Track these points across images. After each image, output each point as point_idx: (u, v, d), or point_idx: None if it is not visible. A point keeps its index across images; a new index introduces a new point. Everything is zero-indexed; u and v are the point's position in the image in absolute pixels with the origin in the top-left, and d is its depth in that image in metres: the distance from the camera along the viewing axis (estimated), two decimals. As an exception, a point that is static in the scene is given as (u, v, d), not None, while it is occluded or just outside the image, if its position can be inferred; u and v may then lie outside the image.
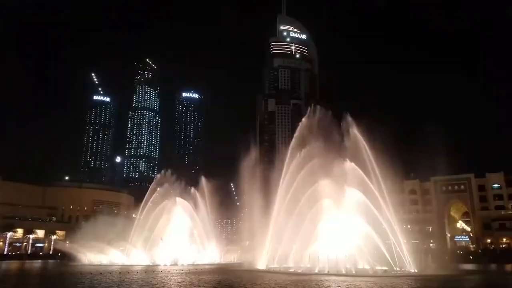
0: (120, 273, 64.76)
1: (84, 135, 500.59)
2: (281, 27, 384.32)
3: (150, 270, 73.19)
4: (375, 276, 59.73)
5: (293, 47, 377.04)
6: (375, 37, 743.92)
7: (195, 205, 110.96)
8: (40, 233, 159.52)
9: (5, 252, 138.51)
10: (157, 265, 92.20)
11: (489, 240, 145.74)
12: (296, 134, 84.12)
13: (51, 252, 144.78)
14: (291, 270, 71.24)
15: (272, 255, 77.74)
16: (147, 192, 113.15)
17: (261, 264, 79.06)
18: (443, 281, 55.67)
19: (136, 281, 53.07)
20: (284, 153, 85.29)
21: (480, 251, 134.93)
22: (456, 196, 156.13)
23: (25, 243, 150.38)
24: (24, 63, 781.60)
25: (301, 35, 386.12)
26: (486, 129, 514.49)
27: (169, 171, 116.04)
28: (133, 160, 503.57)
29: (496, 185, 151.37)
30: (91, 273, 63.20)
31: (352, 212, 69.59)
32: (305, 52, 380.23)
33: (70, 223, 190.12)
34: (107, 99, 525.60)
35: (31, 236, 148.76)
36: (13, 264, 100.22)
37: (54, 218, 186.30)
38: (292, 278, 56.38)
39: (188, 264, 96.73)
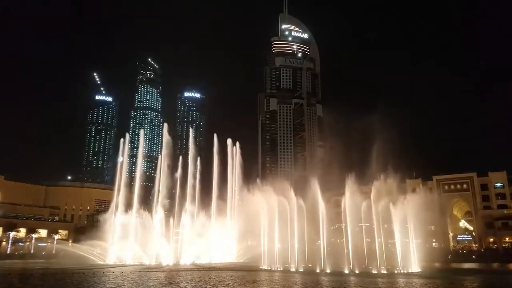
0: (122, 272, 64.81)
1: (86, 134, 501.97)
2: (283, 26, 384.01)
3: (151, 270, 73.05)
4: (377, 276, 59.60)
5: (294, 46, 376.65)
6: (377, 37, 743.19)
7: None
8: (43, 232, 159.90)
9: (8, 252, 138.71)
10: (160, 265, 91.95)
11: (491, 239, 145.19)
12: None
13: (53, 252, 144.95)
14: (292, 269, 71.25)
15: (274, 255, 77.71)
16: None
17: (264, 264, 79.07)
18: (447, 281, 55.47)
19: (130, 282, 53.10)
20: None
21: (482, 250, 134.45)
22: (459, 195, 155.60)
23: (28, 243, 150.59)
24: (25, 63, 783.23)
25: (303, 34, 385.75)
26: (488, 129, 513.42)
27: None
28: (135, 160, 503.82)
29: (498, 184, 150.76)
30: (93, 273, 63.27)
31: (353, 214, 69.56)
32: (306, 51, 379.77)
33: (73, 223, 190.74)
34: (109, 98, 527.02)
35: (34, 236, 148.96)
36: (14, 264, 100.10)
37: (56, 218, 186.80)
38: (292, 279, 56.27)
39: (191, 264, 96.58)
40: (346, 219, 69.70)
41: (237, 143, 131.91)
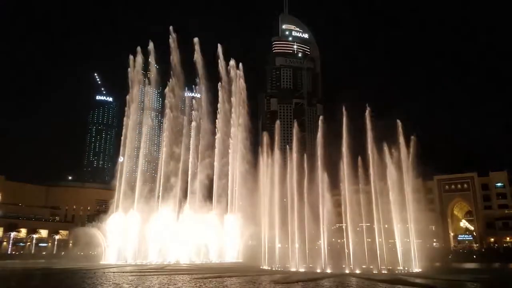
0: (122, 273, 64.73)
1: (87, 135, 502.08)
2: (283, 26, 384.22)
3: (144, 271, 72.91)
4: (379, 276, 59.54)
5: (295, 46, 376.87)
6: (378, 36, 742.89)
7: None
8: (44, 232, 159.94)
9: (9, 252, 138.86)
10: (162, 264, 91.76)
11: (492, 239, 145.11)
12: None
13: (54, 252, 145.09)
14: (292, 270, 71.20)
15: (275, 254, 77.74)
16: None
17: (264, 264, 79.06)
18: (448, 281, 55.45)
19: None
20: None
21: (483, 250, 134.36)
22: (459, 195, 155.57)
23: (29, 243, 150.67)
24: (26, 63, 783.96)
25: (303, 34, 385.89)
26: (489, 128, 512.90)
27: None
28: (136, 160, 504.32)
29: (499, 184, 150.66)
30: (95, 273, 63.27)
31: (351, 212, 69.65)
32: (307, 51, 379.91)
33: (73, 223, 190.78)
34: (110, 98, 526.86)
35: (35, 236, 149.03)
36: (14, 264, 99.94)
37: (57, 218, 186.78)
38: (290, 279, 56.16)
39: (190, 263, 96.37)
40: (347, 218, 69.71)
41: (240, 65, 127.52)
